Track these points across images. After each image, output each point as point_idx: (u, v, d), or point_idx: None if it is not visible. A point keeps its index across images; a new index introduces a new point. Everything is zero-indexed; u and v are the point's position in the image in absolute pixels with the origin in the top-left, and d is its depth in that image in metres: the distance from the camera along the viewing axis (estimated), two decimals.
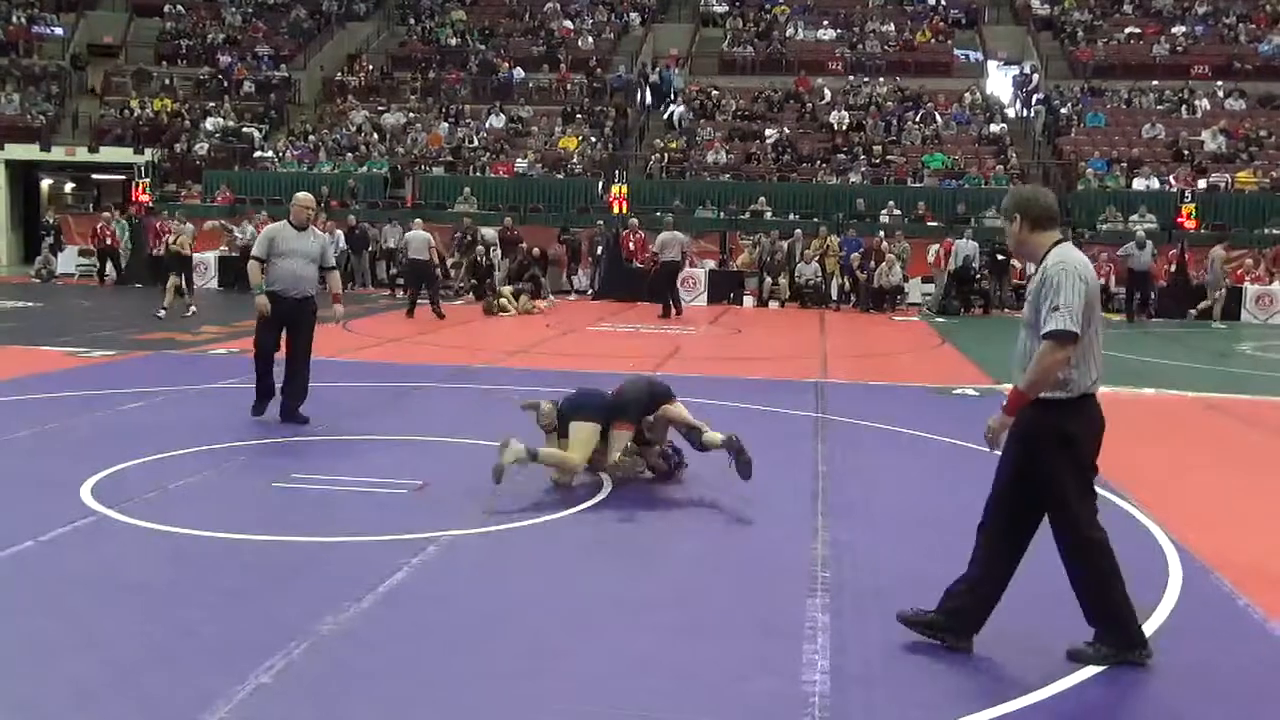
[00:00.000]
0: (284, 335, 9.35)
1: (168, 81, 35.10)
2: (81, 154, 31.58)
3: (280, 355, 9.39)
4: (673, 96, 33.14)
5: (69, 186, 35.79)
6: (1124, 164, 28.38)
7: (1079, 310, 4.32)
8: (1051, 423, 4.43)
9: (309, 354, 9.40)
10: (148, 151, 30.46)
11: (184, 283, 18.50)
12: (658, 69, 34.53)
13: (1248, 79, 32.12)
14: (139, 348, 13.98)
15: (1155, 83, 32.32)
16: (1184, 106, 31.19)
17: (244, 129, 32.36)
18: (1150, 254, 21.88)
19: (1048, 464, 4.47)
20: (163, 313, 17.48)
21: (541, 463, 7.13)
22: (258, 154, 31.16)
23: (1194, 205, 25.56)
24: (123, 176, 31.14)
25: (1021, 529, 4.63)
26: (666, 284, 21.33)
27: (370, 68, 35.79)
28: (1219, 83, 31.87)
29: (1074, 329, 4.30)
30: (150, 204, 27.26)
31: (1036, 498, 4.56)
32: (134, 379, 11.31)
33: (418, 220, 21.13)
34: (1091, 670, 4.44)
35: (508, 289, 21.19)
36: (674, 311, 20.76)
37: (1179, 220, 25.44)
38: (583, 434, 7.25)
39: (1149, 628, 4.93)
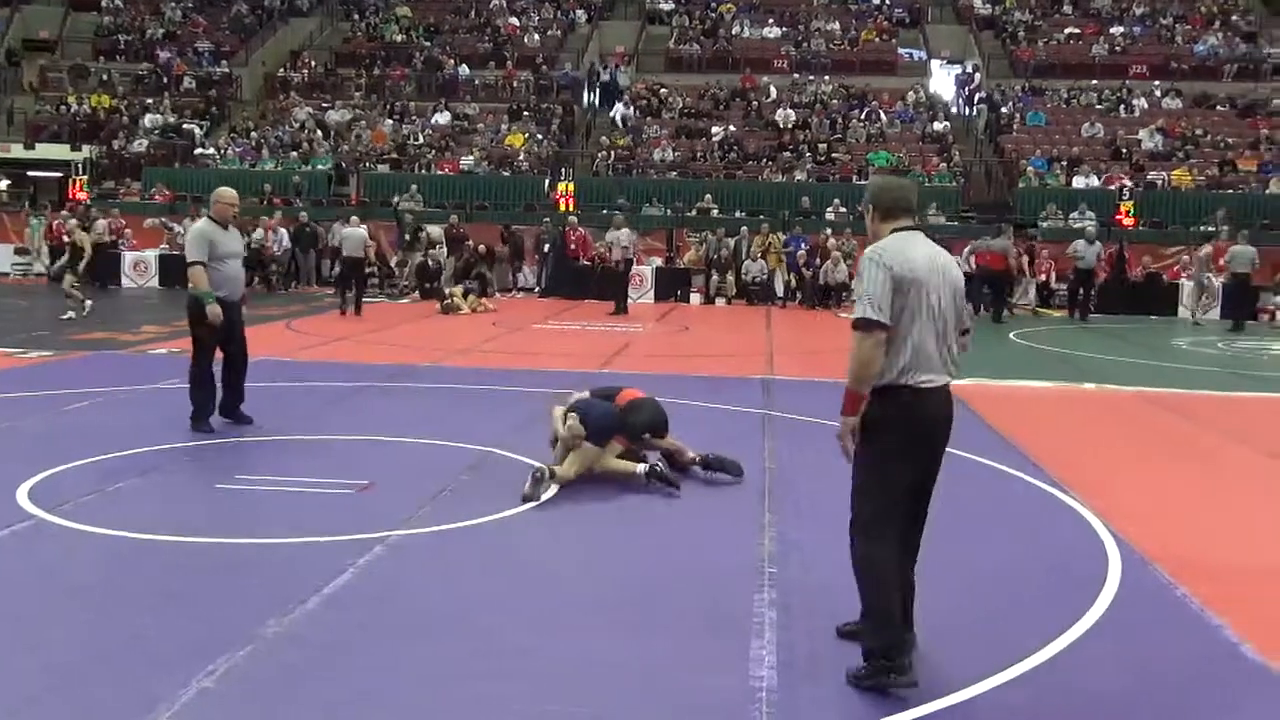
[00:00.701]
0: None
1: (105, 77, 34.56)
2: (17, 150, 30.99)
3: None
4: (618, 94, 33.18)
5: (3, 184, 35.11)
6: (1064, 162, 28.82)
7: (880, 298, 4.15)
8: (866, 410, 4.24)
9: (246, 356, 9.20)
10: (85, 148, 29.96)
11: (77, 281, 17.30)
12: (609, 68, 34.52)
13: (1184, 79, 32.74)
14: (78, 348, 13.75)
15: (1094, 82, 32.88)
16: (1122, 106, 31.74)
17: (184, 125, 31.92)
18: (1097, 252, 22.16)
19: (861, 448, 4.28)
20: (86, 311, 16.97)
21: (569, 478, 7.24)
22: (199, 151, 30.75)
23: (1132, 203, 26.03)
24: (59, 174, 30.60)
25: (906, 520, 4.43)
26: (622, 281, 21.43)
27: (313, 64, 35.48)
28: (1156, 82, 32.48)
29: (874, 316, 4.14)
30: (88, 202, 26.84)
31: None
32: (72, 380, 11.11)
33: (355, 218, 20.90)
34: (1035, 660, 4.50)
35: (458, 288, 21.07)
36: (621, 309, 20.83)
37: (1117, 217, 25.89)
38: (613, 449, 7.46)
39: (1090, 618, 5.02)
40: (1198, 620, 5.12)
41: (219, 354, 9.04)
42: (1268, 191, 27.20)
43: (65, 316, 16.83)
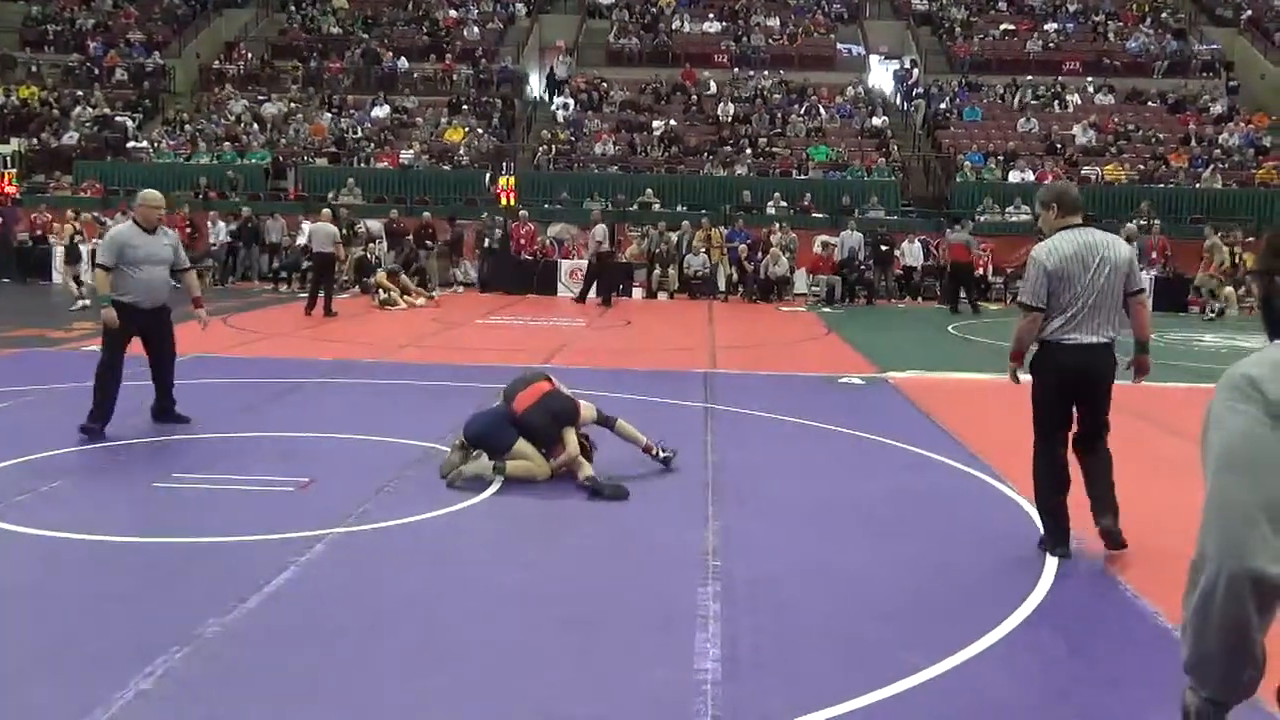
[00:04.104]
0: (142, 344, 8.75)
1: (34, 68, 33.82)
2: None
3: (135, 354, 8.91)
4: (558, 88, 33.15)
5: None
6: (1000, 157, 29.17)
7: (1034, 287, 5.68)
8: (1033, 358, 5.91)
9: (173, 359, 8.94)
10: (13, 141, 29.32)
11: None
12: (560, 61, 34.39)
13: (1116, 75, 33.31)
14: (7, 345, 13.46)
15: (1029, 78, 33.31)
16: (1056, 101, 32.20)
17: (116, 118, 31.33)
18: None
19: (1032, 384, 5.94)
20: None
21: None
22: (131, 144, 30.20)
23: None
24: None
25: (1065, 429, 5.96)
26: (615, 275, 22.24)
27: (249, 56, 34.95)
28: (1089, 78, 33.01)
29: (1027, 300, 5.75)
30: (17, 196, 26.26)
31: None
32: (1, 378, 10.87)
33: (325, 210, 20.21)
34: (977, 648, 4.56)
35: (381, 275, 20.84)
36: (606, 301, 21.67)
37: None
38: (526, 449, 7.29)
39: (1028, 606, 5.10)
40: (1131, 605, 5.22)
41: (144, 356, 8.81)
42: (1198, 186, 27.77)
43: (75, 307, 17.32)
